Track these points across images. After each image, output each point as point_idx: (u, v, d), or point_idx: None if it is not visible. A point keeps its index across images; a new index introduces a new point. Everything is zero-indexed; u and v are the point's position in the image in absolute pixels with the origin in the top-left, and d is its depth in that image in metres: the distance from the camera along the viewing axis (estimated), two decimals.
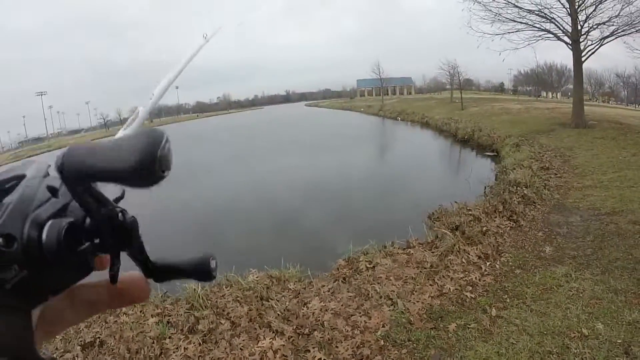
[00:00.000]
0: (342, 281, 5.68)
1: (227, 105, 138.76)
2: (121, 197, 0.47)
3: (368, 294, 5.23)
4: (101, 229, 0.43)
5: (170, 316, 5.29)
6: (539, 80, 74.57)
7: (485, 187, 10.83)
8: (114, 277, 0.46)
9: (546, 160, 12.78)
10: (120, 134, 0.79)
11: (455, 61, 43.48)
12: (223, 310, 5.27)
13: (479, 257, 6.09)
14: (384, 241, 6.78)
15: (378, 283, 5.45)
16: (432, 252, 6.19)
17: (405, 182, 14.72)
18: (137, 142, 0.37)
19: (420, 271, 5.71)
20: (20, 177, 0.44)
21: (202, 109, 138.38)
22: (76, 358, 4.60)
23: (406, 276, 5.59)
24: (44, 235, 0.39)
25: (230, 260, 7.04)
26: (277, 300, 5.33)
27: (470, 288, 5.28)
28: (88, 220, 0.43)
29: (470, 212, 7.50)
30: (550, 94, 74.23)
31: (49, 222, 0.40)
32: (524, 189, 9.16)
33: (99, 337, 4.87)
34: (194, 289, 5.60)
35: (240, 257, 7.31)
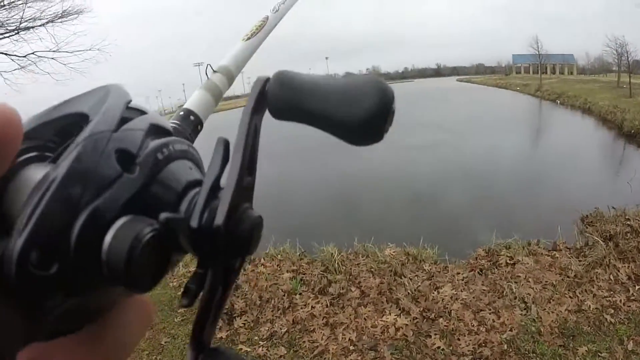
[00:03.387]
0: (478, 272, 5.84)
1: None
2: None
3: (503, 292, 5.35)
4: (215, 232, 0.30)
5: (304, 274, 5.90)
6: None
7: None
8: (193, 298, 0.32)
9: None
10: (242, 45, 0.76)
11: (624, 38, 37.45)
12: (355, 279, 5.75)
13: (629, 278, 5.76)
14: (529, 238, 6.66)
15: (515, 282, 5.52)
16: (579, 261, 5.99)
17: (558, 175, 13.58)
18: (372, 89, 0.31)
19: (563, 279, 5.62)
20: (80, 119, 0.31)
21: None
22: None
23: (546, 281, 5.56)
24: (104, 249, 0.27)
25: (368, 230, 7.46)
26: (410, 279, 5.69)
27: (612, 311, 5.11)
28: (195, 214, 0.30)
29: (628, 222, 6.99)
30: None
31: (116, 225, 0.27)
32: None
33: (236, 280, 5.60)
34: (332, 253, 6.10)
35: (378, 230, 7.70)
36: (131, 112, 0.34)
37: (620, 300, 5.28)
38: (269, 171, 13.26)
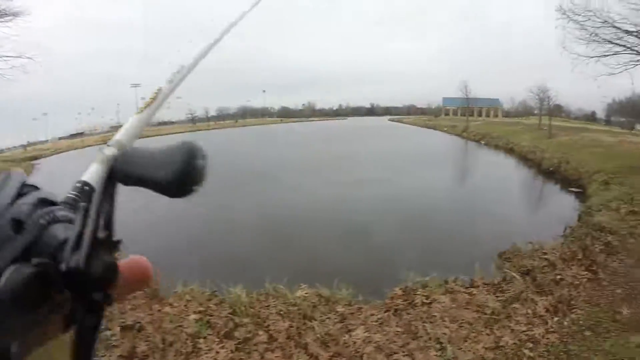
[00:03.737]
0: (393, 313, 5.43)
1: (311, 113, 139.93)
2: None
3: (417, 333, 4.94)
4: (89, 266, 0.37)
5: (211, 316, 5.33)
6: (634, 111, 69.04)
7: (565, 228, 10.06)
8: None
9: (636, 204, 11.60)
10: (134, 119, 0.78)
11: (545, 85, 40.76)
12: (264, 322, 5.24)
13: (547, 310, 5.56)
14: (448, 274, 6.40)
15: (431, 322, 5.13)
16: (496, 297, 5.75)
17: (480, 211, 13.83)
18: (177, 155, 0.39)
19: (480, 316, 5.31)
20: None
21: (286, 114, 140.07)
22: (114, 337, 4.71)
23: (462, 319, 5.22)
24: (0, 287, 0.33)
25: (288, 268, 7.02)
26: (321, 322, 5.17)
27: (531, 345, 4.81)
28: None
29: (545, 256, 6.91)
30: None
31: (8, 270, 0.34)
32: (609, 235, 8.34)
33: (139, 322, 5.00)
34: (239, 295, 5.58)
35: (298, 268, 7.25)
36: (28, 188, 0.43)
37: (539, 334, 5.01)
38: (193, 208, 12.71)
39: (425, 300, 5.64)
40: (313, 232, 11.57)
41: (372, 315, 5.36)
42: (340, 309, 5.49)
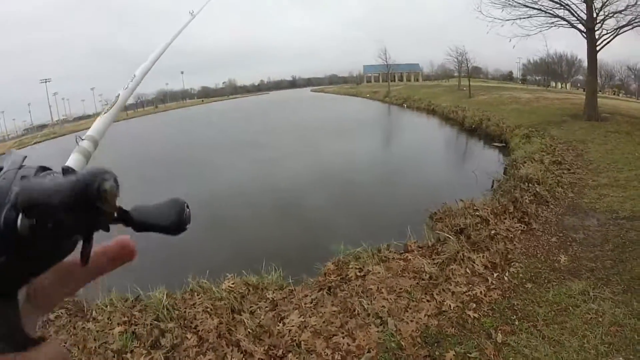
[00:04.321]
0: (327, 292, 5.00)
1: (232, 91, 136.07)
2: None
3: (354, 310, 4.55)
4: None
5: (136, 326, 4.70)
6: (548, 70, 72.95)
7: (493, 182, 10.12)
8: (86, 259, 0.44)
9: (558, 154, 11.90)
10: (101, 118, 0.98)
11: (463, 48, 41.76)
12: (191, 323, 4.67)
13: (486, 267, 5.39)
14: (380, 242, 6.08)
15: (367, 296, 4.76)
16: (432, 260, 5.49)
17: (408, 173, 13.84)
18: (172, 210, 0.49)
19: (418, 283, 5.02)
20: None
21: (207, 94, 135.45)
22: None
23: (400, 289, 4.89)
24: (18, 223, 0.37)
25: (207, 259, 6.47)
26: (251, 313, 4.68)
27: (474, 305, 4.58)
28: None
29: (477, 213, 6.76)
30: (559, 85, 72.58)
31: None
32: (536, 186, 8.40)
33: (64, 345, 4.38)
34: (160, 299, 4.96)
35: (219, 255, 6.69)
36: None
37: (481, 292, 4.79)
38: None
39: (359, 273, 5.27)
40: (235, 212, 10.82)
41: (306, 296, 4.90)
42: (270, 295, 4.99)
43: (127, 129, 37.57)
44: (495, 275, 5.26)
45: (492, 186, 9.92)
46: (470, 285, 4.93)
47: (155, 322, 4.71)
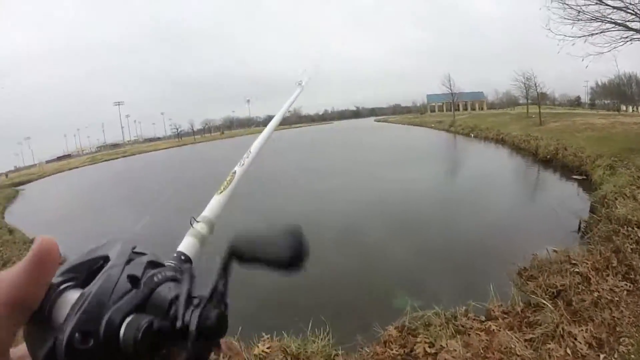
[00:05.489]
0: None
1: (297, 120, 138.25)
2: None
3: None
4: (189, 332, 0.41)
5: None
6: (619, 93, 68.63)
7: (580, 223, 8.68)
8: None
9: None
10: (216, 198, 0.89)
11: (531, 71, 38.81)
12: None
13: (590, 346, 4.14)
14: (453, 297, 5.05)
15: None
16: (523, 334, 4.27)
17: (481, 210, 12.09)
18: (285, 240, 0.47)
19: None
20: (104, 259, 0.45)
21: None
22: None
23: None
24: (121, 333, 0.38)
25: (241, 308, 5.47)
26: None
27: None
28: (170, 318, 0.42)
29: (576, 269, 5.44)
30: (631, 108, 67.89)
31: (128, 319, 0.39)
32: (637, 230, 6.93)
33: None
34: None
35: (254, 305, 5.76)
36: (136, 255, 0.48)
37: None
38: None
39: (428, 349, 4.13)
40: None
41: None
42: None
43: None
44: (602, 357, 4.01)
45: (579, 228, 8.50)
46: None
47: None
